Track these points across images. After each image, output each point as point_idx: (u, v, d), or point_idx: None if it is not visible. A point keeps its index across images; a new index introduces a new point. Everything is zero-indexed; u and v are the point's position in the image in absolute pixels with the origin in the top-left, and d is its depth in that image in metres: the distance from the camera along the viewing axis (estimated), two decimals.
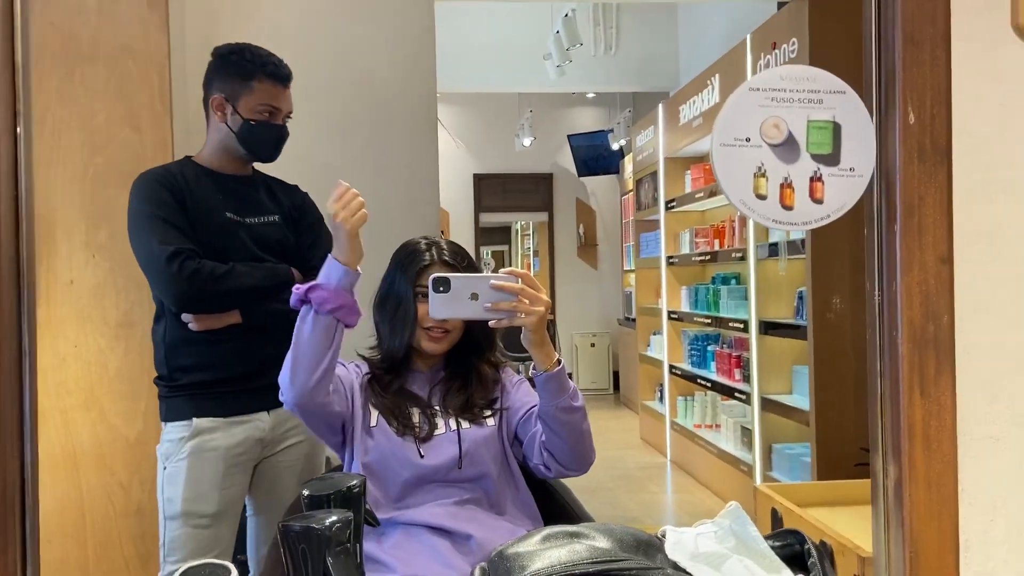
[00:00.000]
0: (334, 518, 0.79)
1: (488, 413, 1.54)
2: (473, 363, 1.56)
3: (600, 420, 6.40)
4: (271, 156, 1.73)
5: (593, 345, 7.52)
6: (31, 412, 0.96)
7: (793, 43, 3.29)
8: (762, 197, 0.91)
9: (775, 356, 3.79)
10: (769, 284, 3.77)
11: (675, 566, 1.07)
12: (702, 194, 4.48)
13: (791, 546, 1.13)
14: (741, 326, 4.02)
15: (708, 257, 4.52)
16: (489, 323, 1.32)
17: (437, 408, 1.52)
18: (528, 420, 1.53)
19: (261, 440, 1.66)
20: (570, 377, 1.45)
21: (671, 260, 5.13)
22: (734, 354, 4.21)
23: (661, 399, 5.36)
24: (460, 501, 1.48)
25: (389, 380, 1.53)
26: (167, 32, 2.24)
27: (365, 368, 1.56)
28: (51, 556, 2.10)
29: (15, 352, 0.90)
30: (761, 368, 3.80)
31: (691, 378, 4.73)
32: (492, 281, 1.29)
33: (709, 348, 4.60)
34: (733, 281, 4.42)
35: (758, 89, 0.90)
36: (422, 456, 1.44)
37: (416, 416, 1.48)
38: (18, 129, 0.98)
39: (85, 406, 2.28)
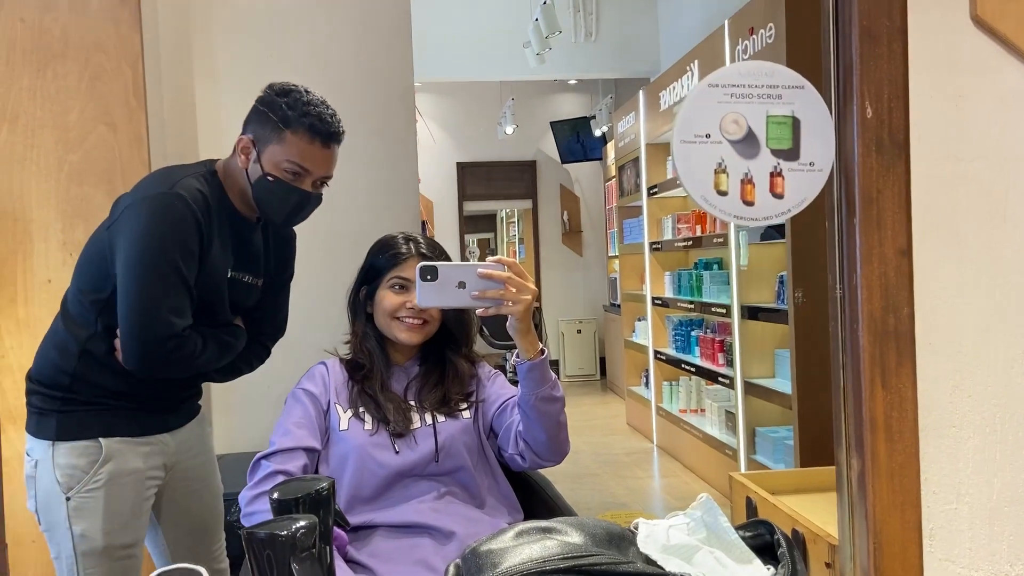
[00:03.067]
0: (300, 524, 0.80)
1: (464, 406, 1.54)
2: (449, 357, 1.57)
3: (587, 406, 6.42)
4: (285, 223, 1.51)
5: (579, 332, 7.53)
6: None
7: (770, 28, 3.29)
8: (723, 193, 0.91)
9: (758, 340, 3.81)
10: (751, 269, 3.78)
11: (647, 559, 1.08)
12: None
13: (762, 536, 1.14)
14: (724, 311, 4.04)
15: (690, 243, 4.53)
16: (476, 311, 1.32)
17: (412, 403, 1.52)
18: (504, 412, 1.54)
19: (165, 464, 1.55)
20: (556, 365, 1.47)
21: (654, 246, 5.14)
22: (717, 339, 4.23)
23: (647, 384, 5.39)
24: (439, 496, 1.48)
25: (363, 377, 1.53)
26: (139, 27, 2.21)
27: (336, 369, 1.55)
28: (26, 557, 2.10)
29: None
30: (744, 352, 3.83)
31: (676, 363, 4.75)
32: (479, 269, 1.29)
33: (693, 333, 4.62)
34: (716, 266, 4.44)
35: (717, 85, 0.90)
36: (397, 452, 1.45)
37: (391, 413, 1.49)
38: None
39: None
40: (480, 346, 2.58)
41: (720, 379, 4.12)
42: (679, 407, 4.78)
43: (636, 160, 5.34)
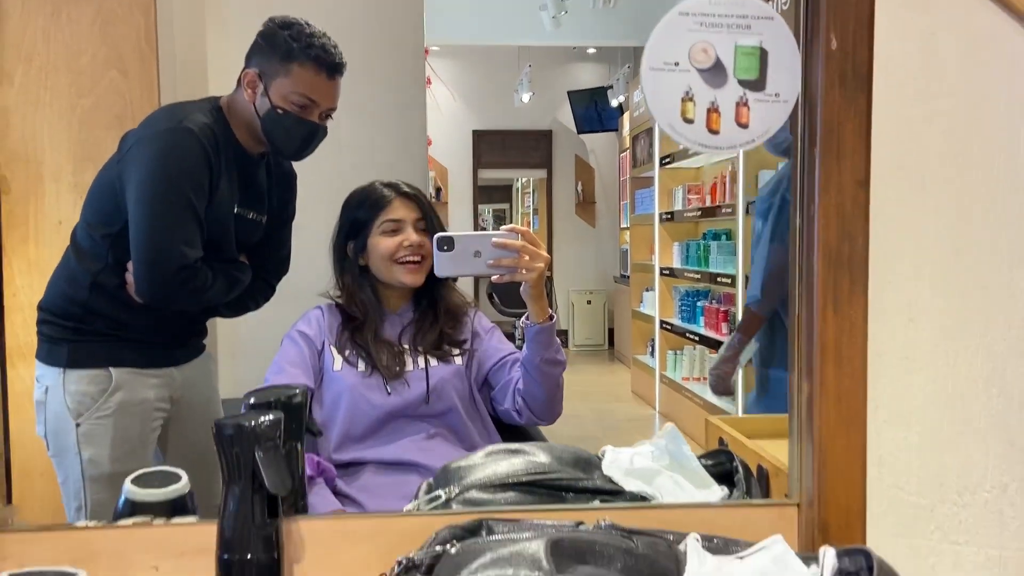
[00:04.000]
0: (266, 417, 0.84)
1: (456, 352, 1.59)
2: (440, 294, 1.60)
3: (593, 374, 6.47)
4: (296, 155, 1.54)
5: (589, 303, 7.55)
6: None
7: None
8: (689, 121, 0.94)
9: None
10: None
11: (609, 481, 1.12)
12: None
13: (722, 464, 1.18)
14: (730, 281, 4.05)
15: (700, 213, 4.53)
16: (492, 278, 1.37)
17: (407, 347, 1.56)
18: (503, 368, 1.58)
19: (171, 397, 1.59)
20: (565, 334, 1.54)
21: (665, 216, 5.15)
22: (722, 309, 4.26)
23: (652, 353, 5.42)
24: (429, 436, 1.53)
25: (355, 328, 1.56)
26: None
27: (329, 315, 1.59)
28: (30, 490, 2.17)
29: None
30: None
31: (681, 333, 4.78)
32: (494, 239, 1.34)
33: (699, 304, 4.64)
34: (724, 237, 4.44)
35: (688, 14, 0.92)
36: (389, 393, 1.49)
37: (384, 359, 1.53)
38: None
39: None
40: (491, 314, 2.61)
41: None
42: (682, 375, 4.82)
43: (650, 130, 5.33)
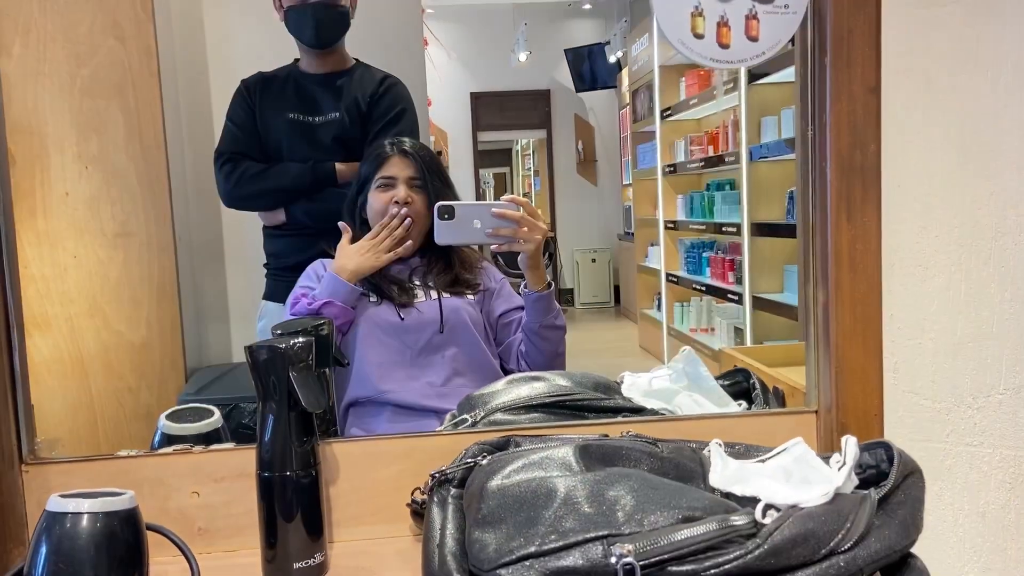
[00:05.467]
0: (298, 340, 0.86)
1: (469, 292, 1.60)
2: (453, 247, 1.62)
3: (600, 331, 6.50)
4: (318, 41, 1.70)
5: (594, 261, 7.56)
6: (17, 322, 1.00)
7: None
8: (699, 36, 0.94)
9: (767, 257, 3.83)
10: (761, 186, 3.79)
11: (629, 401, 1.14)
12: (696, 100, 4.46)
13: (739, 383, 1.20)
14: (735, 230, 4.06)
15: (703, 164, 4.52)
16: (491, 247, 1.39)
17: (417, 283, 1.58)
18: (509, 326, 1.61)
19: None
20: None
21: (668, 169, 5.13)
22: (728, 258, 4.26)
23: (659, 307, 5.44)
24: (448, 378, 1.55)
25: None
26: None
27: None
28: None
29: None
30: (753, 269, 3.86)
31: (687, 284, 4.79)
32: (494, 209, 1.37)
33: (704, 255, 4.65)
34: (727, 186, 4.44)
35: None
36: (402, 319, 1.51)
37: (394, 292, 1.55)
38: None
39: (89, 314, 2.35)
40: None
41: (730, 296, 4.17)
42: (689, 326, 4.84)
43: (650, 84, 5.30)
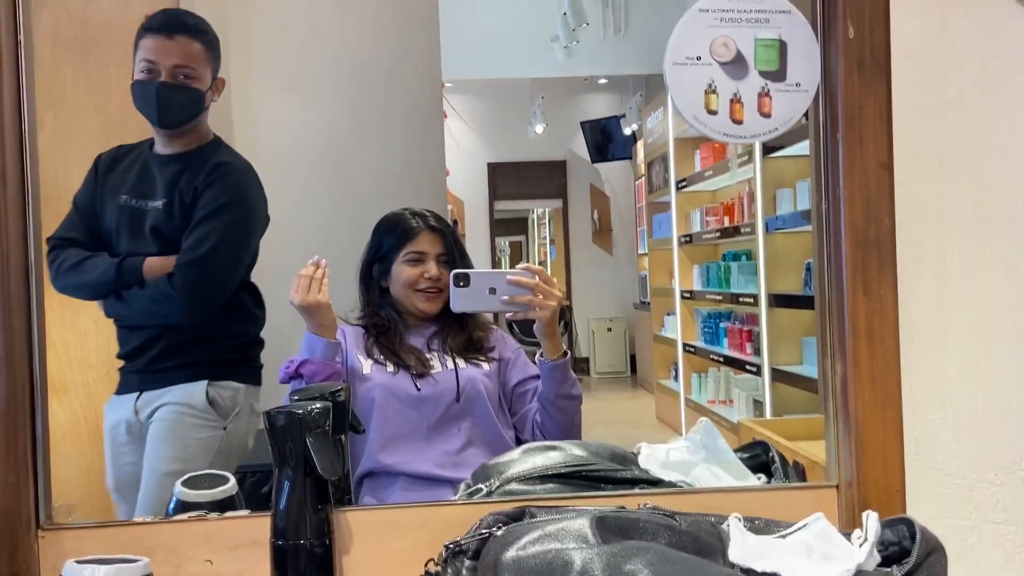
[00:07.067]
0: (315, 405, 0.87)
1: (484, 359, 1.61)
2: (465, 314, 1.63)
3: (617, 401, 6.44)
4: (160, 120, 1.57)
5: (610, 330, 7.55)
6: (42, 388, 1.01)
7: None
8: (713, 112, 0.97)
9: (785, 328, 3.82)
10: (778, 257, 3.80)
11: (646, 472, 1.13)
12: (711, 172, 4.52)
13: (758, 456, 1.19)
14: (752, 300, 4.06)
15: (719, 234, 4.56)
16: (506, 316, 1.41)
17: (435, 351, 1.59)
18: (524, 396, 1.61)
19: (127, 420, 1.73)
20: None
21: (684, 239, 5.17)
22: (745, 329, 4.25)
23: (676, 377, 5.40)
24: (462, 447, 1.55)
25: (380, 333, 1.60)
26: None
27: (352, 332, 1.62)
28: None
29: (24, 328, 0.97)
30: (771, 340, 3.84)
31: (704, 355, 4.76)
32: (509, 276, 1.38)
33: (721, 325, 4.64)
34: (744, 257, 4.46)
35: (707, 10, 0.96)
36: (419, 390, 1.51)
37: (412, 361, 1.56)
38: (23, 108, 0.96)
39: (107, 379, 2.38)
40: None
41: (748, 367, 4.14)
42: (707, 398, 4.79)
43: (664, 155, 5.38)
